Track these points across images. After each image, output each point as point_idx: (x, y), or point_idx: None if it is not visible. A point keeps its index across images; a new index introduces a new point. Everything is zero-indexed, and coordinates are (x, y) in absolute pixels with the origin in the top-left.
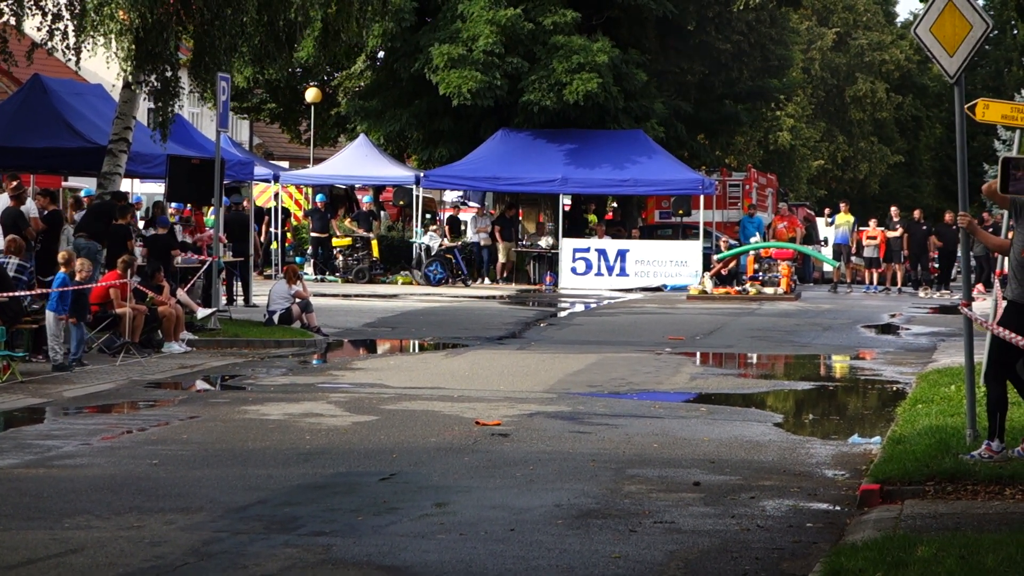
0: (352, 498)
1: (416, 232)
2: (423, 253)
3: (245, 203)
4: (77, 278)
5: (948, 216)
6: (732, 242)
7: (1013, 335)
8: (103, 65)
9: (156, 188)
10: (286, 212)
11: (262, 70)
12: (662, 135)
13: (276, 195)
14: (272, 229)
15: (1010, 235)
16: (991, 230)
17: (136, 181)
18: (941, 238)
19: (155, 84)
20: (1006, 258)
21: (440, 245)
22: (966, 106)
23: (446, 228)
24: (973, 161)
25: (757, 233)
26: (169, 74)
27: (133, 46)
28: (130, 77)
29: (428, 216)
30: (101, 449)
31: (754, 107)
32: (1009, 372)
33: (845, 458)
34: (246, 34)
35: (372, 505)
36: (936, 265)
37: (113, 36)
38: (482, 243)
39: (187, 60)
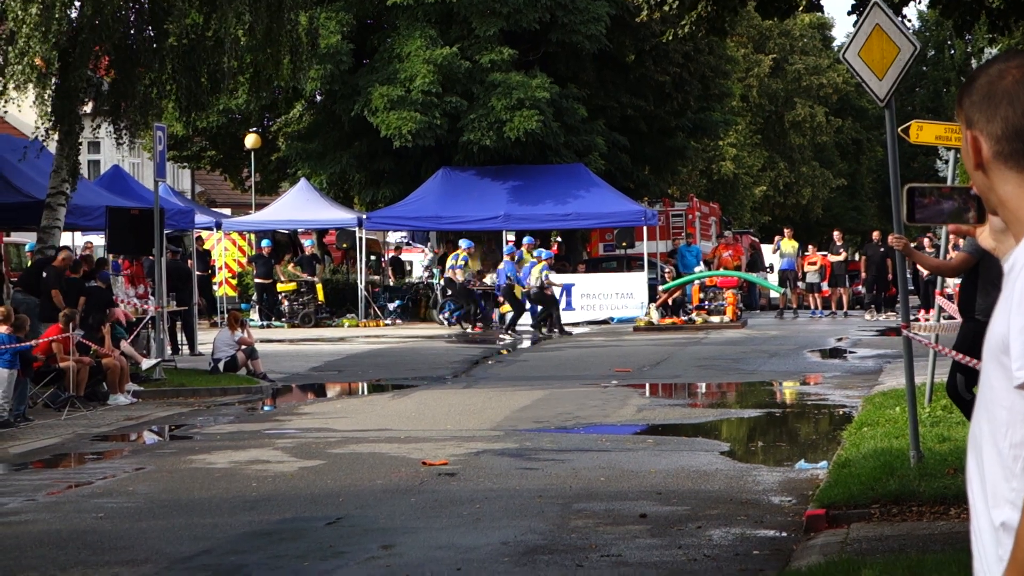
0: (298, 544)
1: (434, 273)
2: (439, 294)
3: (172, 254)
4: (19, 333)
5: (891, 238)
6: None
7: (969, 359)
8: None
9: (97, 240)
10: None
11: (191, 119)
12: (603, 167)
13: (199, 240)
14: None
15: (951, 255)
16: (933, 253)
17: (77, 234)
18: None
19: (64, 132)
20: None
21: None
22: (900, 128)
23: (390, 270)
24: (914, 182)
25: (701, 263)
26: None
27: (52, 92)
28: (49, 121)
29: (373, 258)
30: (47, 504)
31: (697, 140)
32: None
33: (792, 484)
34: (176, 79)
35: (318, 550)
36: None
37: (32, 83)
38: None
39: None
